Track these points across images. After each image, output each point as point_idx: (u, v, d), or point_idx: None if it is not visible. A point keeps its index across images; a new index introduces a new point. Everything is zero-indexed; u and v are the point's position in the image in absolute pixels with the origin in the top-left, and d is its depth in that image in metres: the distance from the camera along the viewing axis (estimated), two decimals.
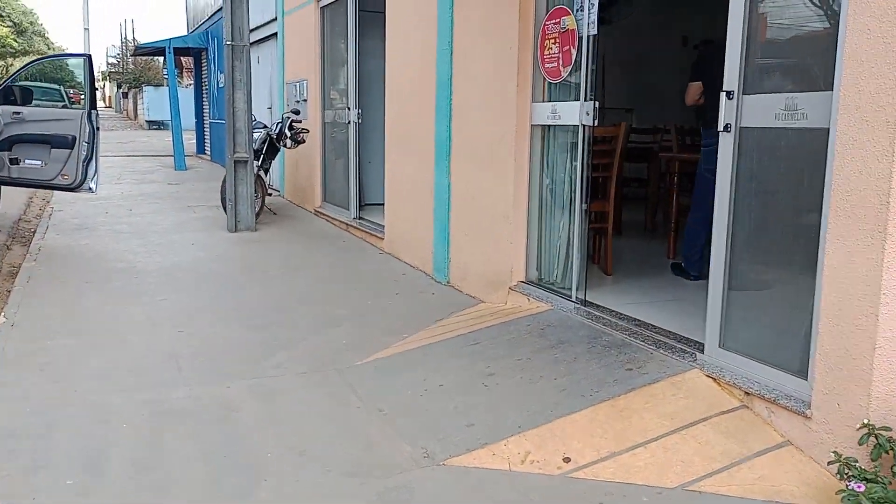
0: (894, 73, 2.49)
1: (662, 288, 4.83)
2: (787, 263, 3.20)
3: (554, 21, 4.48)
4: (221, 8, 8.39)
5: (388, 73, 6.66)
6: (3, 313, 4.75)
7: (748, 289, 3.36)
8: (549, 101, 4.64)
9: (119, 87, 43.45)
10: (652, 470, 2.85)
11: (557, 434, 3.09)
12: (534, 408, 3.29)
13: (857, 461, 2.60)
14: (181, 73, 26.17)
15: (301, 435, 3.19)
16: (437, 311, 4.92)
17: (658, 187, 7.00)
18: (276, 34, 10.60)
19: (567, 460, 2.93)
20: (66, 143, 6.64)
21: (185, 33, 18.41)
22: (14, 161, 6.64)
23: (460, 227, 5.45)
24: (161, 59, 21.81)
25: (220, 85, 13.15)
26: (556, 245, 4.70)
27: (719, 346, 3.36)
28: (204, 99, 17.08)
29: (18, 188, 7.40)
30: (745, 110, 3.17)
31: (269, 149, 8.47)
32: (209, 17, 15.31)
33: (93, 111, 6.76)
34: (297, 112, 8.60)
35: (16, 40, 38.44)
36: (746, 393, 3.15)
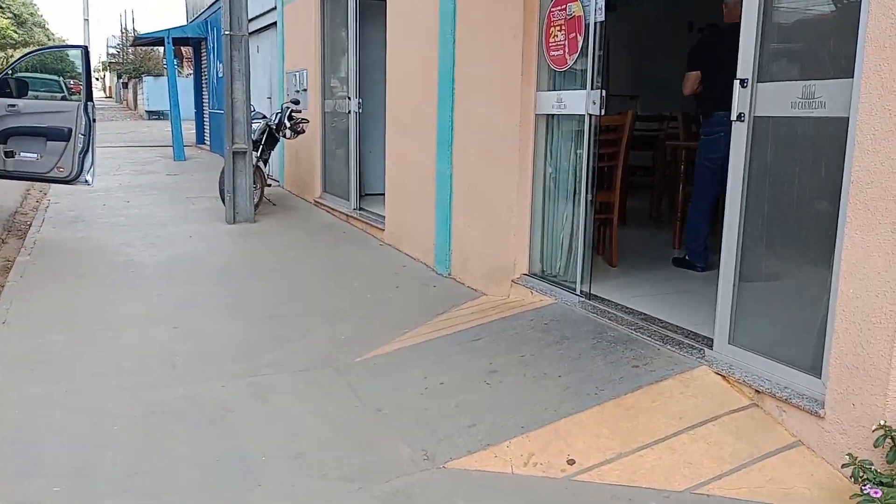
0: None
1: (669, 280, 4.73)
2: (801, 257, 3.09)
3: (560, 7, 4.35)
4: None
5: (389, 61, 6.53)
6: None
7: (759, 284, 3.25)
8: (555, 89, 4.51)
9: (119, 77, 43.28)
10: (659, 472, 2.75)
11: (562, 434, 2.99)
12: (537, 407, 3.19)
13: (872, 464, 2.50)
14: (181, 62, 26.01)
15: (297, 436, 3.09)
16: (439, 304, 4.82)
17: (664, 175, 6.88)
18: (275, 23, 10.46)
19: (571, 462, 2.84)
20: (62, 135, 6.54)
21: (185, 23, 18.24)
22: (9, 154, 6.55)
23: (462, 218, 5.34)
24: (161, 49, 21.67)
25: (220, 75, 13.01)
26: (561, 237, 4.59)
27: (729, 343, 3.26)
28: (203, 89, 16.93)
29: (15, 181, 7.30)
30: (759, 99, 3.05)
31: (269, 139, 8.35)
32: (208, 7, 15.15)
33: (89, 103, 6.66)
34: (296, 102, 8.48)
35: (16, 31, 38.25)
36: (757, 391, 3.05)
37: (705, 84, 4.72)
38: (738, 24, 4.42)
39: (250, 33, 8.13)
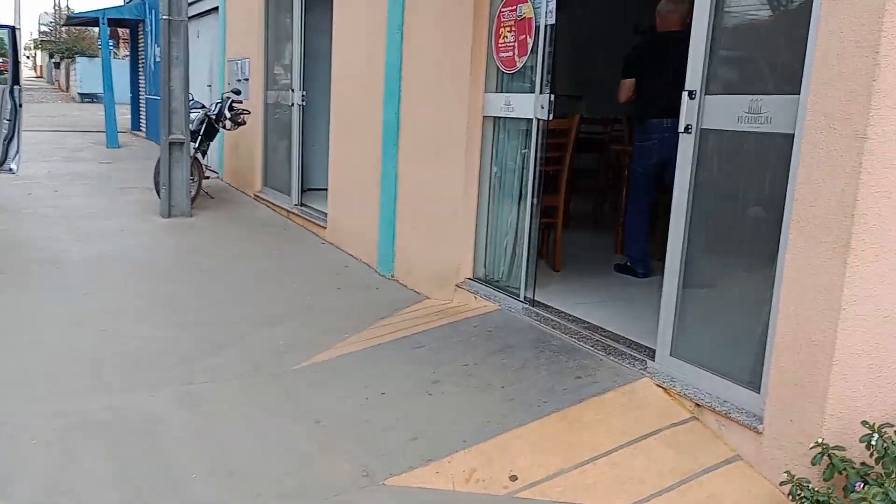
0: (866, 81, 2.36)
1: (611, 286, 4.73)
2: (744, 273, 3.10)
3: (510, 8, 4.28)
4: None
5: (334, 54, 6.36)
6: None
7: (701, 298, 3.25)
8: (503, 91, 4.45)
9: (51, 56, 41.46)
10: (601, 488, 2.73)
11: (504, 449, 2.94)
12: (480, 420, 3.13)
13: (809, 482, 2.51)
14: (117, 44, 25.03)
15: (230, 452, 2.95)
16: (381, 307, 4.71)
17: (608, 179, 6.91)
18: (217, 8, 10.10)
19: (514, 478, 2.79)
20: None
21: (122, 3, 17.50)
22: None
23: (407, 219, 5.24)
24: (96, 29, 20.77)
25: (158, 59, 12.52)
26: (505, 241, 4.54)
27: (670, 355, 3.26)
28: (140, 72, 16.28)
29: None
30: (707, 111, 3.04)
31: (208, 130, 8.07)
32: None
33: (16, 87, 6.32)
34: (237, 92, 8.22)
35: None
36: (697, 404, 3.06)
37: (639, 91, 4.71)
38: (673, 32, 4.48)
39: (190, 18, 7.81)
